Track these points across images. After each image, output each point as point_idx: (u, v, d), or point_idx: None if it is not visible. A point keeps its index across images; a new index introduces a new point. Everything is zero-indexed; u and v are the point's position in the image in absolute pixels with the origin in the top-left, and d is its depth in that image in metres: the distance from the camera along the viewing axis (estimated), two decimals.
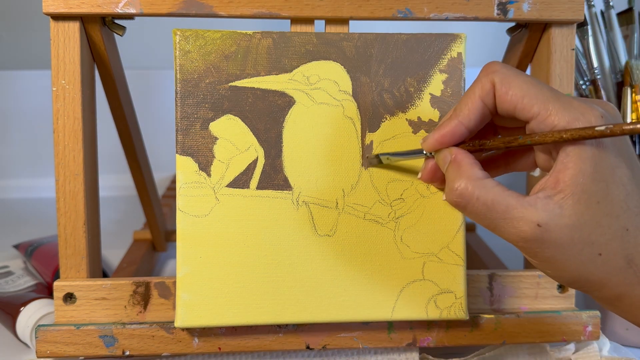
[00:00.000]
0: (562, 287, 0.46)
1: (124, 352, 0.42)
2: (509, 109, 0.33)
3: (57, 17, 0.41)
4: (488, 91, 0.34)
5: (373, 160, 0.41)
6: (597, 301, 0.34)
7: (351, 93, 0.41)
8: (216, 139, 0.41)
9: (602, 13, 0.57)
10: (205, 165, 0.40)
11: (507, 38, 0.49)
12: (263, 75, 0.41)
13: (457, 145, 0.36)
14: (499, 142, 0.34)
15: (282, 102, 0.41)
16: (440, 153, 0.36)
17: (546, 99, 0.32)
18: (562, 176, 0.31)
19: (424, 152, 0.38)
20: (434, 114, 0.42)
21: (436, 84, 0.42)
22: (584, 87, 0.55)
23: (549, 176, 0.32)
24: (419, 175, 0.39)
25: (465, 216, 0.35)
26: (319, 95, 0.41)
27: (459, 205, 0.34)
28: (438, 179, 0.38)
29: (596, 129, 0.30)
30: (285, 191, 0.41)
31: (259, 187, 0.41)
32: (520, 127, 0.35)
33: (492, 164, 0.38)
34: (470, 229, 0.69)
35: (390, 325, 0.43)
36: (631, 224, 0.31)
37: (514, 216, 0.31)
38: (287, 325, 0.43)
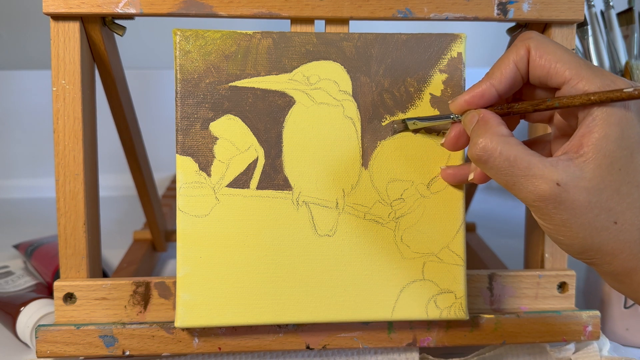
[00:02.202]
0: (562, 287, 0.46)
1: (124, 352, 0.42)
2: (542, 75, 0.33)
3: (57, 17, 0.41)
4: (522, 56, 0.34)
5: (399, 125, 0.41)
6: (604, 277, 0.33)
7: (351, 93, 0.41)
8: (216, 139, 0.41)
9: (602, 13, 0.57)
10: (205, 165, 0.40)
11: (507, 38, 0.49)
12: (263, 75, 0.41)
13: (485, 108, 0.36)
14: (527, 105, 0.35)
15: (282, 102, 0.41)
16: (468, 114, 0.36)
17: (579, 65, 0.32)
18: (586, 140, 0.31)
19: (452, 116, 0.38)
20: (434, 114, 0.42)
21: (436, 84, 0.42)
22: None
23: (572, 139, 0.32)
24: (442, 141, 0.39)
25: (488, 174, 0.34)
26: (319, 95, 0.41)
27: (480, 160, 0.33)
28: (461, 146, 0.38)
29: (624, 90, 0.30)
30: (285, 191, 0.41)
31: (259, 187, 0.41)
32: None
33: (509, 119, 0.39)
34: (470, 229, 0.69)
35: (390, 325, 0.43)
36: None
37: (534, 173, 0.31)
38: (287, 325, 0.43)
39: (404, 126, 0.41)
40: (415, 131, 0.41)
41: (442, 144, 0.39)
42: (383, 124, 0.42)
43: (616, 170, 0.31)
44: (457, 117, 0.38)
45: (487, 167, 0.33)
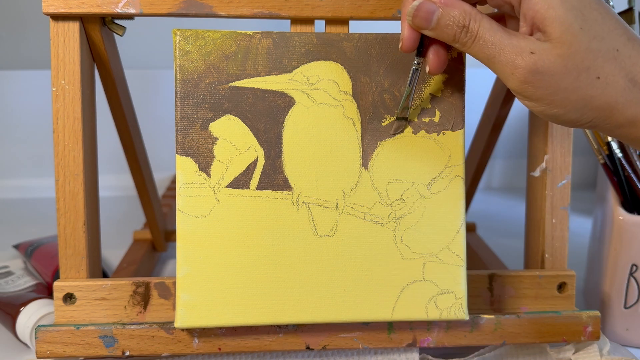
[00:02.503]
0: (562, 287, 0.46)
1: (123, 353, 0.42)
2: None
3: (57, 17, 0.41)
4: None
5: (401, 124, 0.41)
6: (612, 134, 0.35)
7: (351, 93, 0.41)
8: (216, 139, 0.41)
9: None
10: (205, 166, 0.40)
11: None
12: (263, 76, 0.41)
13: None
14: None
15: (282, 103, 0.41)
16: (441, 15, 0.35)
17: None
18: (536, 19, 0.33)
19: (413, 67, 0.38)
20: (435, 115, 0.42)
21: (436, 84, 0.42)
22: None
23: (522, 27, 0.34)
24: (427, 70, 0.38)
25: (468, 51, 0.35)
26: (319, 95, 0.41)
27: (461, 38, 0.34)
28: (443, 59, 0.38)
29: None
30: (285, 191, 0.41)
31: (259, 188, 0.41)
32: None
33: None
34: (470, 229, 0.69)
35: (390, 326, 0.43)
36: (619, 44, 0.33)
37: (510, 43, 0.33)
38: (287, 325, 0.43)
39: (403, 123, 0.41)
40: (409, 122, 0.41)
41: (428, 72, 0.38)
42: (383, 124, 0.42)
43: (578, 30, 0.32)
44: (417, 62, 0.38)
45: (471, 43, 0.34)
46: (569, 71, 0.32)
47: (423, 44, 0.37)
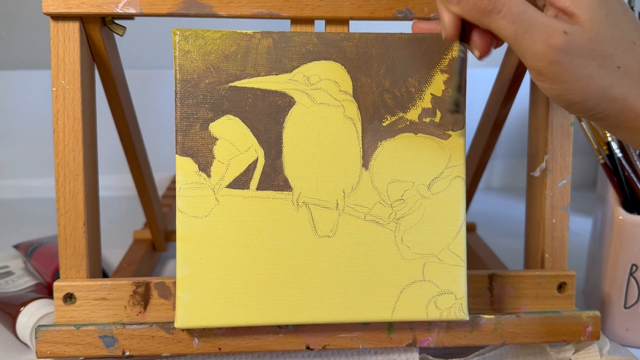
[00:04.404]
0: (562, 287, 0.46)
1: (124, 353, 0.42)
2: None
3: (57, 17, 0.41)
4: None
5: (457, 117, 0.41)
6: (616, 130, 0.35)
7: (352, 93, 0.41)
8: (216, 139, 0.41)
9: None
10: (205, 166, 0.40)
11: None
12: (263, 76, 0.41)
13: None
14: None
15: (282, 103, 0.41)
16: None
17: None
18: (562, 3, 0.33)
19: (460, 49, 0.38)
20: (436, 115, 0.42)
21: (437, 84, 0.42)
22: None
23: (550, 12, 0.33)
24: (478, 55, 0.37)
25: (493, 28, 0.34)
26: (319, 95, 0.41)
27: (488, 11, 0.33)
28: (459, 28, 0.37)
29: None
30: (285, 192, 0.41)
31: (259, 188, 0.41)
32: None
33: None
34: (470, 229, 0.69)
35: (391, 326, 0.43)
36: (636, 37, 0.33)
37: (543, 21, 0.32)
38: (287, 325, 0.43)
39: (459, 117, 0.41)
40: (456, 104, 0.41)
41: (479, 57, 0.37)
42: (384, 124, 0.41)
43: (604, 17, 0.32)
44: (462, 50, 0.38)
45: (498, 17, 0.33)
46: (596, 57, 0.32)
47: (465, 30, 0.37)
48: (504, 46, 0.50)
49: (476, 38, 0.36)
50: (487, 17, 0.34)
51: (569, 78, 0.33)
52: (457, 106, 0.41)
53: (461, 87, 0.40)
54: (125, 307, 0.43)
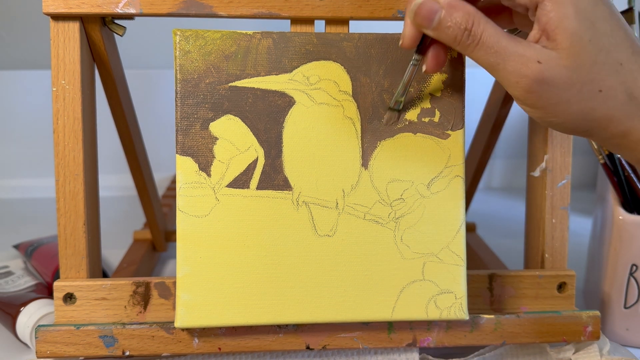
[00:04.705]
0: (562, 287, 0.46)
1: (124, 353, 0.42)
2: None
3: (57, 17, 0.41)
4: None
5: (392, 115, 0.41)
6: (603, 144, 0.35)
7: (351, 93, 0.41)
8: (216, 139, 0.41)
9: None
10: (205, 166, 0.40)
11: None
12: (263, 76, 0.41)
13: None
14: None
15: (282, 103, 0.41)
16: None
17: None
18: (548, 26, 0.32)
19: (412, 62, 0.38)
20: (435, 115, 0.42)
21: (436, 85, 0.42)
22: None
23: (534, 31, 0.33)
24: (424, 69, 0.38)
25: (470, 56, 0.34)
26: (319, 95, 0.41)
27: (466, 42, 0.34)
28: (442, 60, 0.38)
29: None
30: (285, 191, 0.41)
31: (259, 188, 0.41)
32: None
33: None
34: (470, 229, 0.69)
35: (390, 326, 0.43)
36: (623, 57, 0.33)
37: (516, 51, 0.32)
38: (287, 325, 0.43)
39: (395, 114, 0.41)
40: (400, 107, 0.41)
41: (425, 71, 0.38)
42: (381, 124, 0.42)
43: (586, 42, 0.32)
44: (416, 59, 0.38)
45: (475, 48, 0.34)
46: (574, 83, 0.32)
47: (424, 42, 0.37)
48: None
49: (430, 55, 0.37)
50: (465, 49, 0.34)
51: (546, 104, 0.33)
52: (396, 105, 0.41)
53: (404, 90, 0.40)
54: (125, 307, 0.43)
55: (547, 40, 0.32)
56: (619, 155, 0.51)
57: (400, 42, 0.37)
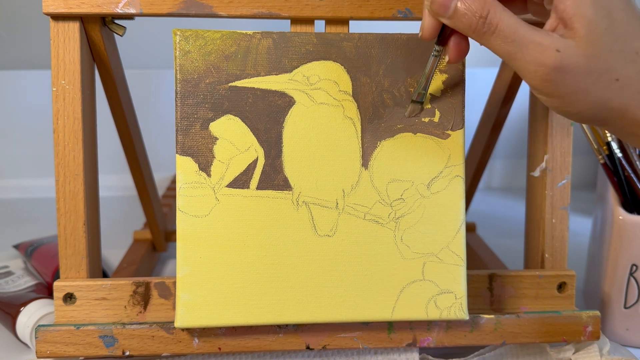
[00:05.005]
0: (562, 287, 0.46)
1: (124, 353, 0.42)
2: None
3: (57, 17, 0.41)
4: None
5: (415, 107, 0.41)
6: (618, 133, 0.35)
7: (351, 93, 0.41)
8: (216, 139, 0.41)
9: None
10: (205, 166, 0.40)
11: None
12: (263, 76, 0.41)
13: None
14: None
15: (282, 102, 0.41)
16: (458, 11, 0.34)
17: None
18: (565, 14, 0.32)
19: (433, 53, 0.38)
20: (435, 115, 0.42)
21: (436, 85, 0.42)
22: None
23: (551, 19, 0.33)
24: (447, 60, 0.37)
25: (487, 45, 0.34)
26: (319, 95, 0.41)
27: (482, 31, 0.33)
28: (464, 49, 0.37)
29: None
30: (285, 191, 0.41)
31: (259, 188, 0.41)
32: None
33: None
34: (470, 229, 0.69)
35: (390, 326, 0.43)
36: (639, 46, 0.33)
37: (534, 40, 0.32)
38: (287, 325, 0.43)
39: (418, 107, 0.41)
40: (421, 99, 0.41)
41: (447, 62, 0.38)
42: (383, 123, 0.41)
43: (603, 30, 0.32)
44: (437, 50, 0.38)
45: (492, 37, 0.33)
46: (591, 72, 0.32)
47: (444, 33, 0.37)
48: None
49: (452, 45, 0.37)
50: (481, 37, 0.34)
51: (563, 93, 0.33)
52: (419, 97, 0.41)
53: (426, 82, 0.40)
54: (125, 307, 0.43)
55: (564, 29, 0.32)
56: (619, 156, 0.51)
57: (420, 34, 0.37)
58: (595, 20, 0.32)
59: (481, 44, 0.34)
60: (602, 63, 0.32)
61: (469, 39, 0.36)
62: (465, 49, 0.37)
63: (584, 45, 0.32)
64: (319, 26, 0.43)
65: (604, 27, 0.32)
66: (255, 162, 0.41)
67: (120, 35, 0.44)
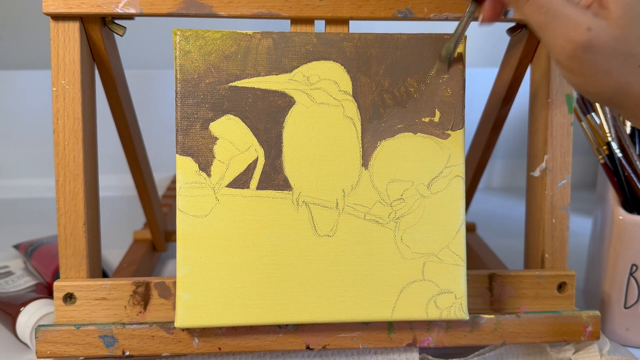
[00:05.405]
0: (562, 287, 0.46)
1: (124, 353, 0.42)
2: None
3: (57, 17, 0.41)
4: None
5: (442, 67, 0.41)
6: (632, 119, 0.35)
7: (351, 93, 0.41)
8: (216, 139, 0.41)
9: None
10: (205, 166, 0.40)
11: (507, 38, 0.49)
12: (263, 76, 0.41)
13: None
14: None
15: (282, 102, 0.41)
16: None
17: None
18: None
19: (469, 8, 0.38)
20: (435, 115, 0.42)
21: (437, 85, 0.42)
22: None
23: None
24: (480, 19, 0.37)
25: (522, 12, 0.34)
26: (319, 95, 0.41)
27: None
28: (499, 10, 0.37)
29: None
30: (285, 191, 0.41)
31: (259, 188, 0.41)
32: None
33: None
34: (470, 229, 0.69)
35: (390, 326, 0.43)
36: None
37: (567, 15, 0.32)
38: (287, 325, 0.43)
39: (444, 67, 0.41)
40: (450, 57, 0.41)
41: (480, 23, 0.38)
42: (383, 123, 0.41)
43: (636, 15, 0.32)
44: (471, 9, 0.38)
45: (527, 4, 0.33)
46: (618, 55, 0.32)
47: None
48: (504, 45, 0.50)
49: (487, 6, 0.37)
50: (516, 3, 0.34)
51: (587, 72, 0.33)
52: (448, 55, 0.41)
53: (458, 39, 0.40)
54: (125, 307, 0.43)
55: (599, 8, 0.33)
56: (619, 156, 0.51)
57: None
58: (630, 3, 0.32)
59: (516, 9, 0.34)
60: (629, 47, 0.32)
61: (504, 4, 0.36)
62: (500, 10, 0.37)
63: (615, 27, 0.32)
64: (319, 26, 0.43)
65: (637, 12, 0.32)
66: (255, 162, 0.41)
67: (120, 35, 0.44)
